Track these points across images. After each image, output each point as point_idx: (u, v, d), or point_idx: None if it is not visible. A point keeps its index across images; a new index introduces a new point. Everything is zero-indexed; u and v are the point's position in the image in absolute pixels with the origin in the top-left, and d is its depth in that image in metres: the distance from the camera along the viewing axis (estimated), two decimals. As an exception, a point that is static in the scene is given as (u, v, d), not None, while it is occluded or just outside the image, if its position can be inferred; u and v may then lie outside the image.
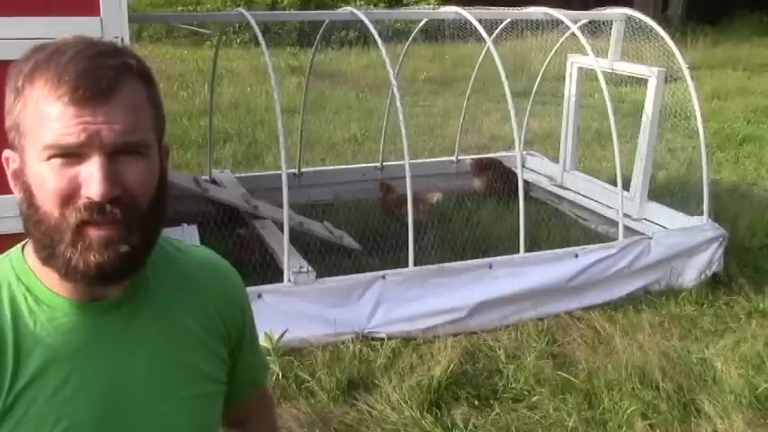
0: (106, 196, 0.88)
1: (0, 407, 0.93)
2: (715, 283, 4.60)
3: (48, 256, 0.93)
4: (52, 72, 0.89)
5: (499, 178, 5.71)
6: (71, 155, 0.89)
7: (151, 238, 0.97)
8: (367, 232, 4.85)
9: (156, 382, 1.02)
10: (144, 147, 0.93)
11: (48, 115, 0.88)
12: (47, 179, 0.89)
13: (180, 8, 14.51)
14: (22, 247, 1.02)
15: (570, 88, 5.89)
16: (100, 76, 0.89)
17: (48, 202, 0.90)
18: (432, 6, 11.70)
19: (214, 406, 1.10)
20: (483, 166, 6.12)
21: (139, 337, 1.01)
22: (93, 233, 0.90)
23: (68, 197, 0.89)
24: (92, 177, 0.88)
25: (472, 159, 6.34)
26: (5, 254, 1.03)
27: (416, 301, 3.95)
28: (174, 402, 1.03)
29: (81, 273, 0.91)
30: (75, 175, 0.89)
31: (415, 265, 4.05)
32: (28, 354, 0.95)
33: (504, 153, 6.76)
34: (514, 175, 5.46)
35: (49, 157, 0.89)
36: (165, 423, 1.02)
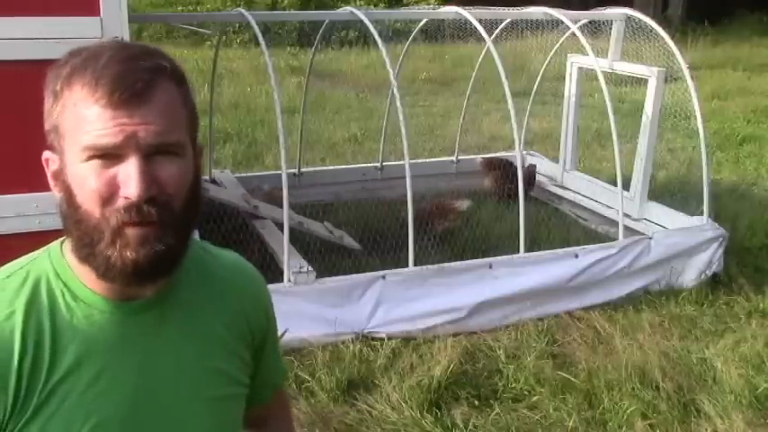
0: (143, 196, 0.91)
1: (36, 400, 0.95)
2: (715, 283, 4.60)
3: (87, 254, 0.95)
4: (89, 76, 0.91)
5: (507, 177, 5.69)
6: (109, 155, 0.91)
7: (186, 237, 0.99)
8: (367, 232, 4.85)
9: (183, 381, 1.04)
10: (179, 147, 0.95)
11: (86, 118, 0.91)
12: (86, 179, 0.92)
13: (180, 8, 14.51)
14: (61, 243, 1.03)
15: (570, 88, 5.89)
16: (135, 78, 0.91)
17: (88, 202, 0.93)
18: (432, 6, 11.70)
19: (237, 407, 1.13)
20: (493, 166, 6.12)
21: (169, 337, 1.04)
22: (131, 232, 0.93)
23: (108, 197, 0.92)
24: (129, 177, 0.91)
25: (482, 158, 6.34)
26: (44, 249, 1.04)
27: (416, 301, 3.95)
28: (198, 403, 1.05)
29: (118, 270, 0.94)
30: (114, 176, 0.92)
31: (415, 265, 4.05)
32: (64, 348, 0.97)
33: (504, 153, 6.76)
34: (526, 174, 5.49)
35: (88, 158, 0.92)
36: (190, 422, 1.05)
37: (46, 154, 0.99)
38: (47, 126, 0.97)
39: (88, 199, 0.93)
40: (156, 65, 0.94)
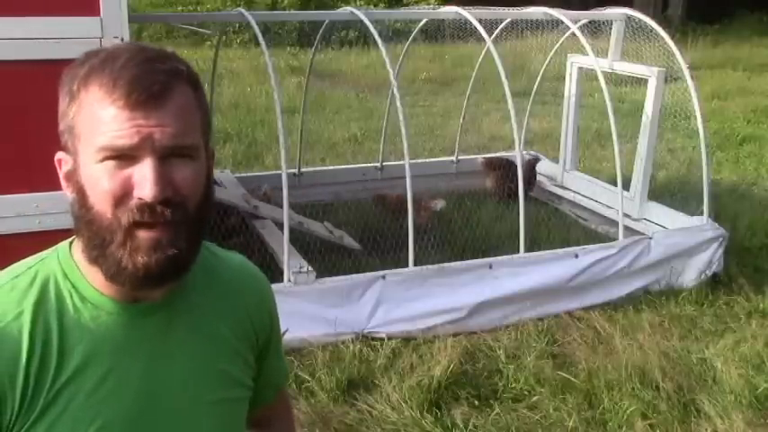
0: (158, 197, 0.91)
1: (42, 400, 0.95)
2: (715, 283, 4.60)
3: (97, 255, 0.95)
4: (106, 77, 0.91)
5: (507, 177, 5.67)
6: (124, 157, 0.92)
7: (197, 240, 1.00)
8: (367, 232, 4.85)
9: (190, 384, 1.04)
10: (193, 150, 0.96)
11: (102, 118, 0.91)
12: (101, 180, 0.92)
13: (180, 8, 14.50)
14: (70, 244, 1.03)
15: (570, 88, 5.89)
16: (152, 81, 0.92)
17: (101, 202, 0.93)
18: (432, 6, 11.70)
19: (241, 410, 1.14)
20: (493, 166, 6.12)
21: (176, 340, 1.04)
22: (143, 235, 0.93)
23: (121, 198, 0.92)
24: (144, 179, 0.91)
25: (483, 158, 6.33)
26: (53, 249, 1.05)
27: (416, 301, 3.95)
28: (205, 406, 1.06)
29: (129, 274, 0.94)
30: (128, 177, 0.92)
31: (415, 265, 4.05)
32: (71, 349, 0.97)
33: (504, 153, 6.76)
34: (528, 173, 5.49)
35: (103, 159, 0.92)
36: (195, 425, 1.05)
37: (59, 155, 0.99)
38: (61, 126, 0.97)
39: (101, 200, 0.93)
40: (173, 68, 0.95)
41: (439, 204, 5.35)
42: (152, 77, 0.92)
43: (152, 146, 0.91)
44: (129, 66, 0.92)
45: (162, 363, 1.02)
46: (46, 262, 1.02)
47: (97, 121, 0.91)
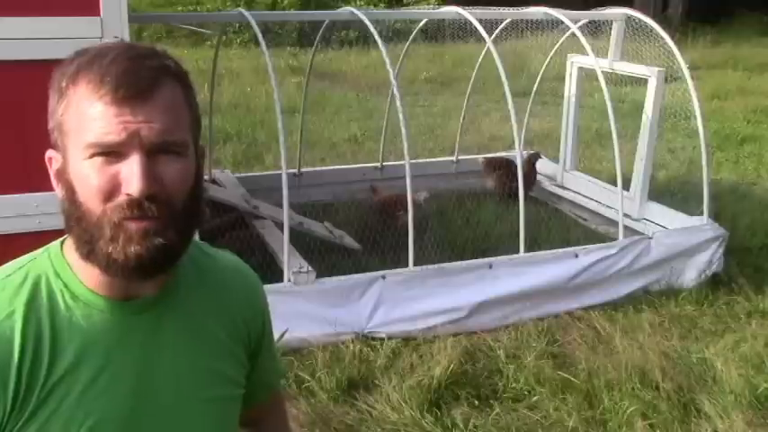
0: (144, 193, 0.91)
1: (35, 399, 0.95)
2: (715, 283, 4.60)
3: (89, 251, 0.95)
4: (94, 73, 0.92)
5: (508, 177, 5.65)
6: (112, 153, 0.92)
7: (186, 235, 0.99)
8: (367, 232, 4.85)
9: (181, 382, 1.04)
10: (181, 146, 0.96)
11: (90, 115, 0.91)
12: (89, 177, 0.92)
13: (180, 8, 14.49)
14: (61, 243, 1.04)
15: (570, 88, 5.89)
16: (140, 77, 0.92)
17: (90, 199, 0.93)
18: (432, 6, 11.70)
19: (234, 408, 1.14)
20: (495, 166, 6.11)
21: (168, 338, 1.04)
22: (132, 226, 0.93)
23: (109, 194, 0.92)
24: (131, 174, 0.91)
25: (484, 158, 6.32)
26: (44, 248, 1.05)
27: (416, 301, 3.95)
28: (197, 403, 1.06)
29: (121, 265, 0.94)
30: (116, 173, 0.92)
31: (415, 265, 4.05)
32: (63, 348, 0.97)
33: (504, 153, 6.76)
34: (529, 173, 5.47)
35: (91, 156, 0.92)
36: (188, 423, 1.05)
37: (49, 153, 0.99)
38: (50, 124, 0.97)
39: (90, 196, 0.93)
40: (162, 64, 0.95)
41: (422, 195, 5.33)
42: (140, 73, 0.92)
43: (139, 142, 0.91)
44: (117, 62, 0.92)
45: (154, 360, 1.02)
46: (37, 261, 1.02)
47: (85, 118, 0.92)
